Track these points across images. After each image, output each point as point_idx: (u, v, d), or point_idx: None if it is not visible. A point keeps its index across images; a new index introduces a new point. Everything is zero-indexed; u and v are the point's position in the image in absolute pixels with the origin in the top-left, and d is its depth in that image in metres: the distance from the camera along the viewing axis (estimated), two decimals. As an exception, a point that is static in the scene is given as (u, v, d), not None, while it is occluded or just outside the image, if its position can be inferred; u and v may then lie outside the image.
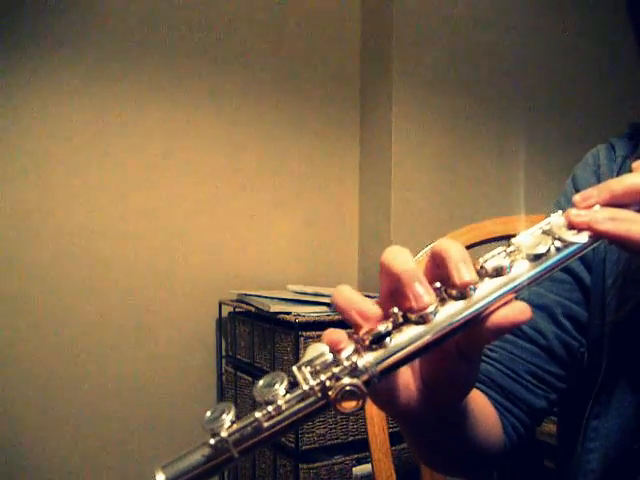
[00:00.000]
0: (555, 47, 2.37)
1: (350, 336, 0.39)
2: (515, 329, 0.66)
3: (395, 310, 0.39)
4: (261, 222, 2.07)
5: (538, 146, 2.35)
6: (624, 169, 0.64)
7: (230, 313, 1.97)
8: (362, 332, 0.38)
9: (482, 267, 0.40)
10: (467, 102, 2.19)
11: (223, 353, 2.03)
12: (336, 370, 0.36)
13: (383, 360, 0.37)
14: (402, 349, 0.37)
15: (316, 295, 1.76)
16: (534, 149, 2.34)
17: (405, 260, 0.40)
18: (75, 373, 1.79)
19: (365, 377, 0.36)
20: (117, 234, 1.85)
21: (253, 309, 1.79)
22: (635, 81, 2.34)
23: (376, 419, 0.84)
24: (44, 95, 1.74)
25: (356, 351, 0.37)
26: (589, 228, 0.41)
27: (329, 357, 0.37)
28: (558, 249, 0.40)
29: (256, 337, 1.82)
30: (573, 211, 0.42)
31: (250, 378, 1.83)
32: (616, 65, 2.40)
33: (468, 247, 0.91)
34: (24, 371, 1.73)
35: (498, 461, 0.63)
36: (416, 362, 0.44)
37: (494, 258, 0.40)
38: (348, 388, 0.35)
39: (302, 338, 1.61)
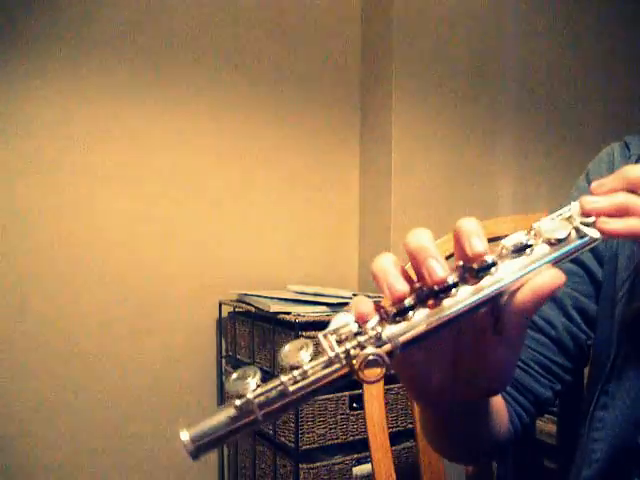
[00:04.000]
0: (559, 46, 2.37)
1: (376, 307, 0.40)
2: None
3: (418, 285, 0.39)
4: (261, 222, 2.07)
5: (539, 146, 2.35)
6: None
7: (230, 313, 1.97)
8: (388, 304, 0.39)
9: (503, 247, 0.41)
10: (467, 102, 2.19)
11: (223, 353, 2.03)
12: (361, 339, 0.37)
13: (406, 332, 0.38)
14: (424, 323, 0.38)
15: (316, 295, 1.75)
16: (535, 149, 2.34)
17: (419, 237, 0.40)
18: (75, 373, 1.79)
19: (388, 347, 0.37)
20: (117, 234, 1.85)
21: (253, 309, 1.79)
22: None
23: (376, 419, 0.84)
24: (44, 95, 1.74)
25: (380, 322, 0.38)
26: (598, 229, 0.41)
27: (354, 327, 0.38)
28: (580, 236, 0.41)
29: (256, 337, 1.82)
30: (587, 198, 0.42)
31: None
32: (623, 64, 2.40)
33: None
34: (24, 371, 1.73)
35: (502, 449, 0.64)
36: (455, 350, 0.44)
37: (515, 237, 0.41)
38: (371, 357, 0.36)
39: (302, 338, 1.60)
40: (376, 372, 0.36)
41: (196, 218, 1.96)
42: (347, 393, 1.65)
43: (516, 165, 2.30)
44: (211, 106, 1.98)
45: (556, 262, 0.40)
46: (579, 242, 0.41)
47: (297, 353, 0.38)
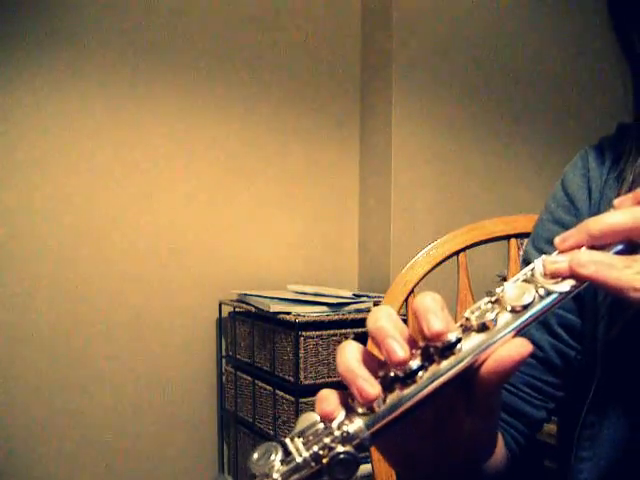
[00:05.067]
0: (556, 47, 2.37)
1: (342, 399, 0.39)
2: None
3: (381, 374, 0.39)
4: (261, 222, 2.07)
5: (538, 146, 2.34)
6: (612, 174, 0.63)
7: (230, 313, 1.97)
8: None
9: (467, 320, 0.40)
10: (467, 102, 2.19)
11: (223, 353, 2.03)
12: (327, 440, 0.37)
13: (373, 424, 0.37)
14: (392, 412, 0.38)
15: (316, 295, 1.75)
16: (534, 149, 2.34)
17: (377, 317, 0.39)
18: (75, 373, 1.79)
19: (357, 441, 0.37)
20: (117, 234, 1.85)
21: (253, 309, 1.79)
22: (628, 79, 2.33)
23: (376, 419, 0.84)
24: (44, 95, 1.74)
25: (347, 416, 0.38)
26: (571, 272, 0.40)
27: (320, 426, 0.38)
28: (542, 297, 0.40)
29: (256, 337, 1.82)
30: (549, 259, 0.41)
31: (250, 378, 1.83)
32: (616, 64, 2.39)
33: (468, 247, 0.91)
34: (24, 371, 1.73)
35: (502, 477, 0.63)
36: (434, 425, 0.43)
37: (479, 308, 0.40)
38: (342, 457, 0.36)
39: (302, 338, 1.61)
40: (347, 469, 0.36)
41: (196, 218, 1.96)
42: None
43: (519, 165, 2.30)
44: (210, 106, 1.98)
45: (522, 328, 0.39)
46: (543, 304, 0.40)
47: (267, 460, 0.37)
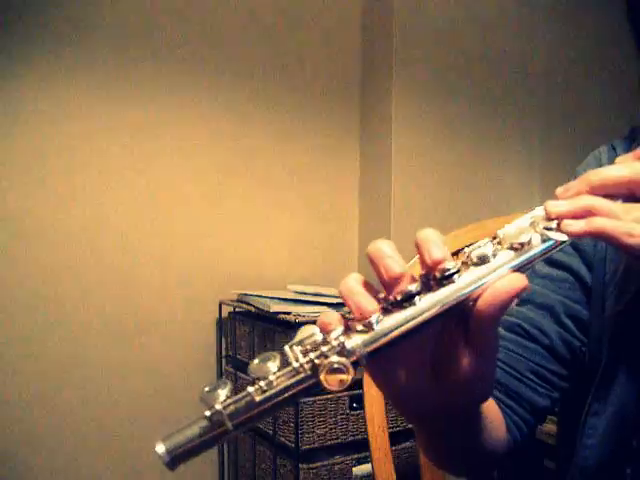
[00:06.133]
0: (557, 48, 2.37)
1: (342, 318, 0.40)
2: (518, 329, 0.66)
3: (381, 295, 0.40)
4: (261, 222, 2.07)
5: (538, 146, 2.35)
6: None
7: (230, 313, 1.97)
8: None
9: (468, 256, 0.41)
10: (467, 103, 2.19)
11: (223, 353, 2.03)
12: (325, 349, 0.38)
13: (371, 342, 0.38)
14: (389, 332, 0.39)
15: (316, 295, 1.76)
16: (534, 149, 2.34)
17: (376, 243, 0.41)
18: (75, 373, 1.79)
19: (353, 358, 0.38)
20: (117, 234, 1.85)
21: (253, 309, 1.79)
22: (637, 80, 2.34)
23: (376, 419, 0.84)
24: (43, 95, 1.74)
25: (345, 332, 0.39)
26: (563, 231, 0.41)
27: (319, 337, 0.39)
28: (542, 239, 0.41)
29: (256, 337, 1.82)
30: (551, 202, 0.43)
31: (250, 378, 1.83)
32: (621, 66, 2.40)
33: (469, 246, 0.91)
34: (23, 371, 1.73)
35: (501, 460, 0.63)
36: (433, 362, 0.44)
37: (479, 247, 0.41)
38: (336, 366, 0.37)
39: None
40: (341, 379, 0.37)
41: (196, 218, 1.96)
42: (347, 393, 1.65)
43: (519, 165, 2.30)
44: (210, 107, 1.97)
45: (521, 267, 0.40)
46: (543, 247, 0.41)
47: (264, 365, 0.39)
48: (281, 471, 1.68)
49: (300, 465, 1.60)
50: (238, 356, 1.92)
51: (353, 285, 0.41)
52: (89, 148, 1.81)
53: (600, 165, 0.68)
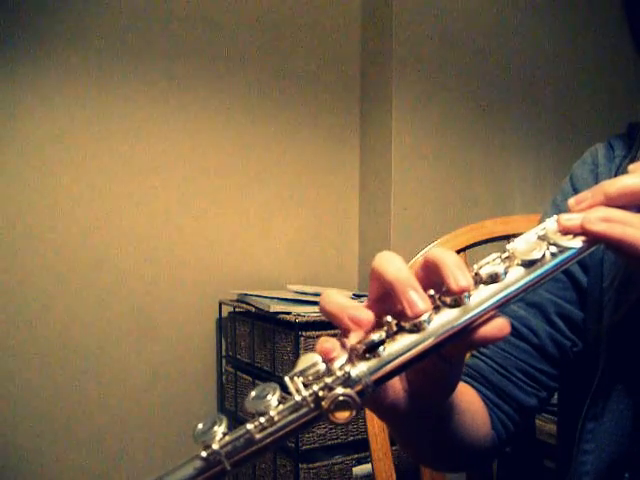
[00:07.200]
0: (556, 46, 2.37)
1: (343, 345, 0.38)
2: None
3: (389, 319, 0.38)
4: (261, 222, 2.07)
5: (538, 146, 2.35)
6: (622, 169, 0.64)
7: (230, 313, 1.97)
8: (355, 340, 0.38)
9: (477, 274, 0.39)
10: (467, 103, 2.19)
11: (223, 353, 2.03)
12: (329, 380, 0.35)
13: (377, 370, 0.36)
14: (396, 358, 0.36)
15: (316, 295, 1.76)
16: (534, 149, 2.34)
17: (398, 267, 0.39)
18: (75, 373, 1.79)
19: (359, 387, 0.35)
20: (117, 234, 1.85)
21: (253, 309, 1.79)
22: (636, 80, 2.34)
23: (376, 419, 0.84)
24: (43, 95, 1.74)
25: (349, 360, 0.37)
26: (582, 230, 0.40)
27: (322, 367, 0.36)
28: (553, 254, 0.39)
29: (256, 337, 1.82)
30: (565, 215, 0.41)
31: (250, 378, 1.83)
32: (617, 64, 2.40)
33: (468, 247, 0.91)
34: (22, 370, 1.73)
35: (488, 456, 0.63)
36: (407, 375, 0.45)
37: (489, 264, 0.40)
38: (342, 398, 0.35)
39: (302, 338, 1.61)
40: (347, 413, 0.35)
41: (196, 218, 1.96)
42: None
43: (519, 165, 2.30)
44: (210, 107, 1.98)
45: (534, 285, 0.39)
46: (555, 261, 0.39)
47: (263, 399, 0.36)
48: (281, 471, 1.68)
49: (300, 465, 1.60)
50: (238, 356, 1.92)
51: (340, 299, 0.41)
52: (92, 149, 1.81)
53: (596, 164, 0.67)
